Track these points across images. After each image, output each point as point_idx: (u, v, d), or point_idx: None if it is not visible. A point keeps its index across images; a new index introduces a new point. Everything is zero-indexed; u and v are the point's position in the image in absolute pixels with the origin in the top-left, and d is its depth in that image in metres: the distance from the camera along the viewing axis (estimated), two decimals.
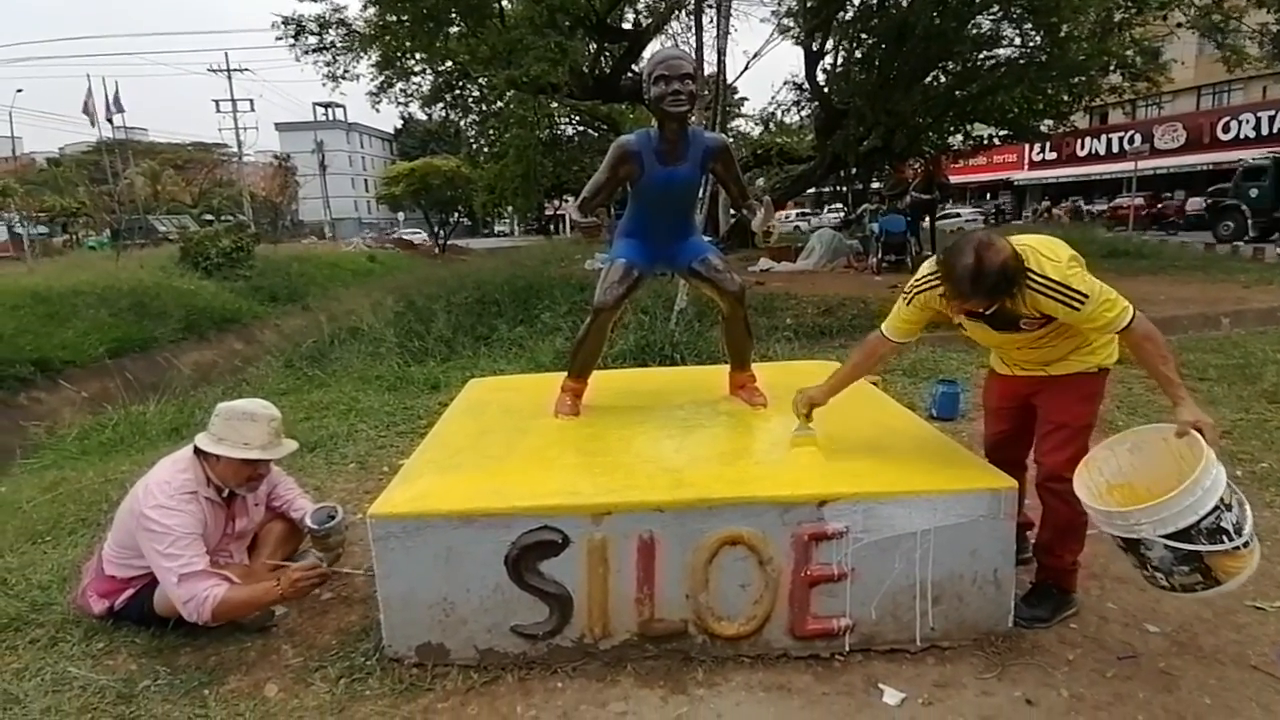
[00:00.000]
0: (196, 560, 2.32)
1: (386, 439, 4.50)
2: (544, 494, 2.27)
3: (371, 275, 23.94)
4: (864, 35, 13.87)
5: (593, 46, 15.43)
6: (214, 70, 38.02)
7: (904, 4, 12.14)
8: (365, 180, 64.86)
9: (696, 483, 2.31)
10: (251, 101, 40.67)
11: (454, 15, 13.94)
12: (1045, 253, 2.12)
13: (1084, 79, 14.11)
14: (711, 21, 11.52)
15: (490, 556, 2.20)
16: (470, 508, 2.20)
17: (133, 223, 30.44)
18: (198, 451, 2.45)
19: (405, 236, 40.65)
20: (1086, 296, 2.04)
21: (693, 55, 10.08)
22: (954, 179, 25.57)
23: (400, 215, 49.04)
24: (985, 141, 18.06)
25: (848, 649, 2.30)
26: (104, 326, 12.38)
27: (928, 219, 13.41)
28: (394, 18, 14.04)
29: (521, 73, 11.67)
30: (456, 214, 36.22)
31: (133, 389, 7.75)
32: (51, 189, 34.89)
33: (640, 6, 16.54)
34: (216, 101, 39.59)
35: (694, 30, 10.07)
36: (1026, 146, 30.99)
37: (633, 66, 15.23)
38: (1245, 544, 1.87)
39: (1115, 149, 31.22)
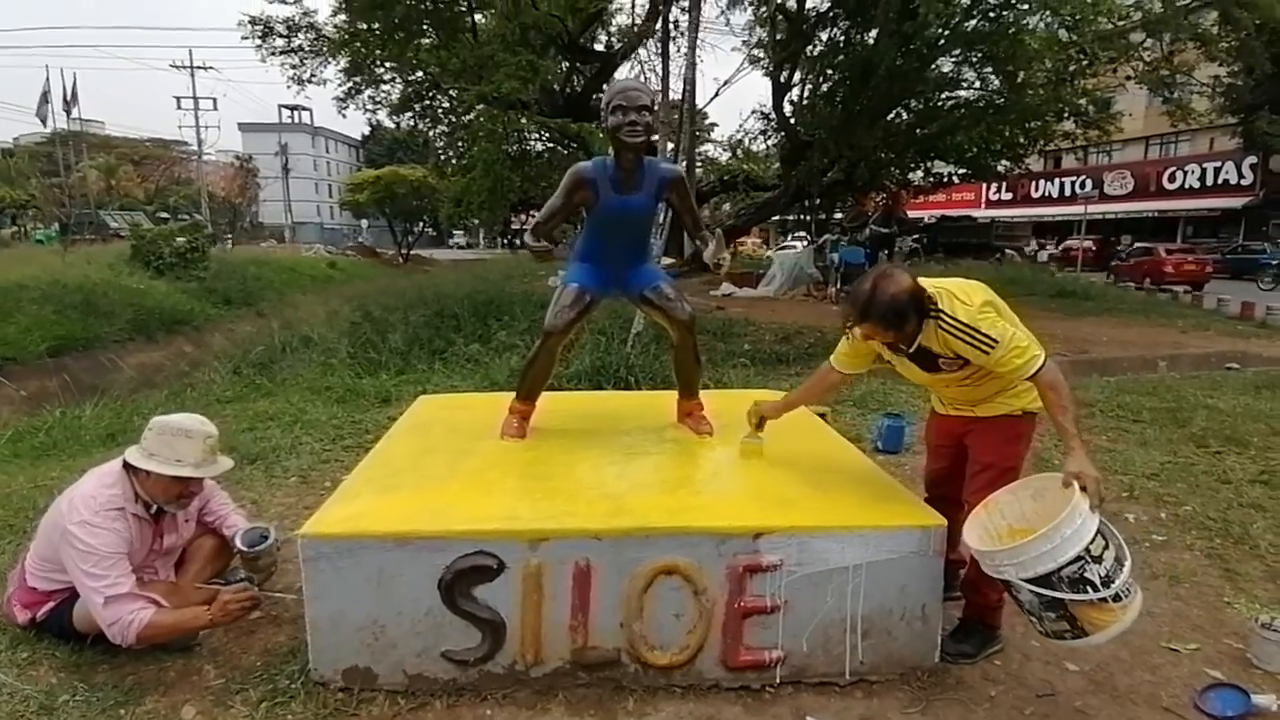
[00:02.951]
0: (122, 581, 2.26)
1: (331, 453, 4.42)
2: (481, 518, 2.26)
3: (331, 282, 23.57)
4: (830, 71, 14.22)
5: (565, 65, 15.55)
6: (176, 66, 37.27)
7: (869, 43, 12.48)
8: (330, 185, 64.00)
9: (635, 511, 2.32)
10: (215, 100, 39.58)
11: (426, 26, 13.93)
12: (959, 296, 2.21)
13: (1039, 123, 14.66)
14: (679, 51, 11.71)
15: (423, 580, 2.17)
16: (405, 530, 2.18)
17: (83, 217, 29.53)
18: (127, 466, 2.38)
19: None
20: (996, 342, 2.12)
21: (658, 82, 10.24)
22: (914, 213, 26.36)
23: (364, 223, 48.47)
24: (945, 179, 18.60)
25: (778, 681, 2.32)
26: (48, 323, 11.96)
27: (886, 252, 13.76)
28: (365, 25, 13.96)
29: (492, 88, 11.70)
30: (421, 224, 35.93)
31: (75, 389, 7.50)
32: (3, 180, 33.74)
33: (613, 30, 16.74)
34: (178, 98, 38.52)
35: (663, 59, 10.20)
36: (984, 186, 32.04)
37: (604, 87, 15.36)
38: (1115, 598, 1.90)
39: (1067, 192, 32.42)
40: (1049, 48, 9.64)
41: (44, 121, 29.43)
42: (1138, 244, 23.18)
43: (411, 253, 34.74)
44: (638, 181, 2.89)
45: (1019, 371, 2.13)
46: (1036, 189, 34.84)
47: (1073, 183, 32.16)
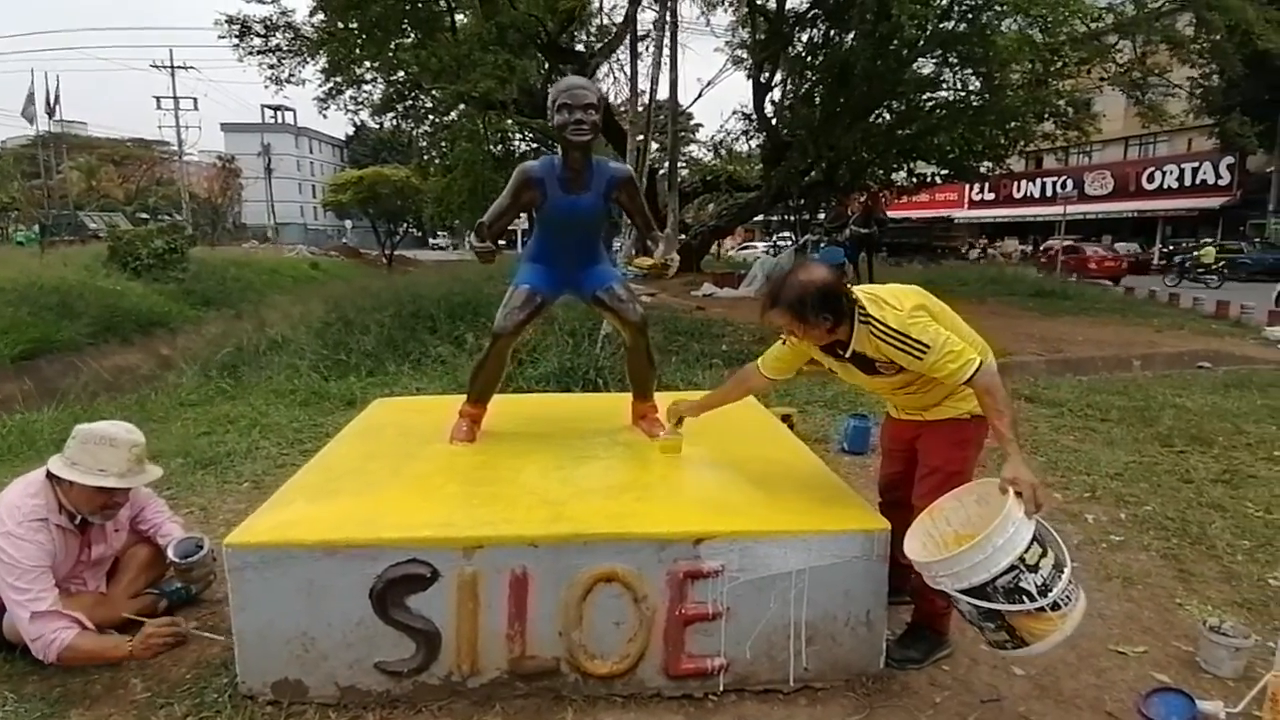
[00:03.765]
0: (45, 595, 2.21)
1: (289, 457, 4.35)
2: (415, 525, 2.20)
3: (313, 283, 23.38)
4: (809, 72, 14.23)
5: (545, 66, 15.48)
6: (157, 66, 36.95)
7: (847, 44, 12.49)
8: (313, 186, 63.54)
9: (574, 517, 2.27)
10: (195, 100, 39.31)
11: (405, 26, 13.82)
12: (889, 301, 2.18)
13: (1018, 124, 14.71)
14: (648, 51, 11.70)
15: (354, 590, 2.12)
16: (334, 538, 2.13)
17: (62, 218, 29.29)
18: (50, 475, 2.32)
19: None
20: (928, 347, 2.09)
21: (628, 82, 10.18)
22: (899, 214, 26.41)
23: (347, 223, 48.19)
24: (928, 179, 18.65)
25: (721, 689, 2.27)
26: (22, 325, 11.84)
27: (866, 252, 13.77)
28: (342, 25, 13.84)
29: (469, 87, 11.63)
30: (405, 225, 35.73)
31: (47, 393, 7.38)
32: None
33: (593, 29, 16.69)
34: (158, 98, 38.14)
35: (630, 59, 10.17)
36: (967, 186, 32.21)
37: None
38: (1053, 607, 1.86)
39: (1049, 192, 32.66)
40: (1022, 48, 9.68)
41: (31, 121, 29.58)
42: (1067, 243, 26.03)
43: (395, 254, 34.56)
44: (586, 181, 2.85)
45: (953, 376, 2.10)
46: (1018, 189, 35.07)
47: (1054, 183, 32.41)
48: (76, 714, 2.15)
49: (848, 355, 2.27)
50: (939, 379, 2.17)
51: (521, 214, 3.08)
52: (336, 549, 2.11)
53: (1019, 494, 1.94)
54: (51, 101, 31.36)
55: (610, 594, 2.20)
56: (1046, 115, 14.78)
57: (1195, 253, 22.44)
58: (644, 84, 11.13)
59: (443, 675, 2.20)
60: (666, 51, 10.94)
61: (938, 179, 18.82)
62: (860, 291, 2.23)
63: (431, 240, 51.74)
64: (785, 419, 4.37)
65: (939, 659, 2.45)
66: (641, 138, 9.53)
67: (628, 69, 14.90)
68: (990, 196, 35.86)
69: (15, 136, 42.57)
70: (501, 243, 2.98)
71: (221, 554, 2.16)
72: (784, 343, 2.43)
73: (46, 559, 2.23)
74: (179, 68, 37.08)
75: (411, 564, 2.12)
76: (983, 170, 17.83)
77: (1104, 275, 21.31)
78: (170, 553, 2.50)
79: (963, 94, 14.50)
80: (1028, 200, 34.97)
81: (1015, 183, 33.81)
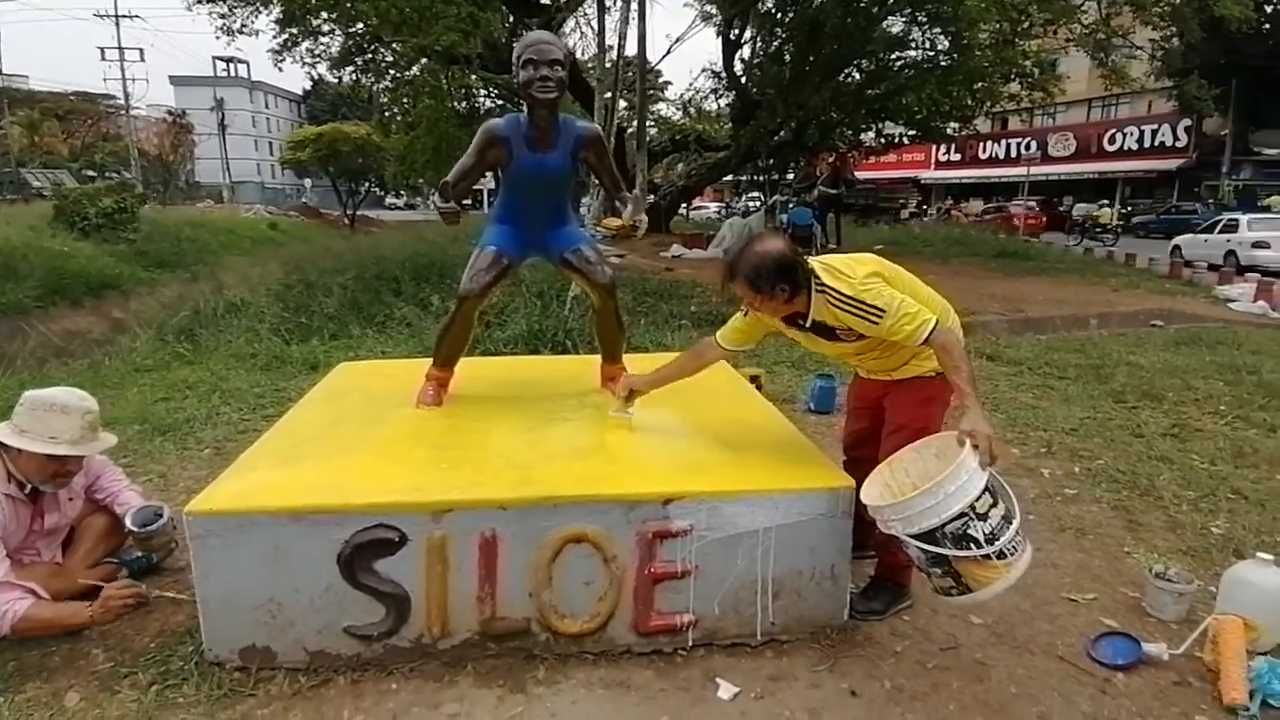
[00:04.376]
0: None
1: (250, 423, 4.27)
2: (382, 490, 2.18)
3: (272, 244, 22.76)
4: (778, 29, 14.05)
5: (510, 19, 15.04)
6: (101, 16, 35.21)
7: (817, 2, 12.32)
8: (270, 143, 61.40)
9: (543, 480, 2.27)
10: (141, 51, 37.70)
11: None
12: (844, 270, 2.22)
13: (985, 84, 14.75)
14: (616, 4, 11.42)
15: (321, 555, 2.10)
16: (300, 504, 2.10)
17: (3, 176, 28.06)
18: None
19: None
20: (883, 311, 2.13)
21: (595, 37, 9.95)
22: (867, 174, 26.45)
23: (307, 182, 46.85)
24: (896, 140, 18.67)
25: (690, 644, 2.32)
26: None
27: (834, 213, 13.80)
28: None
29: (432, 40, 11.25)
30: (368, 184, 34.86)
31: None
32: None
33: None
34: (102, 49, 36.45)
35: (598, 12, 9.93)
36: (934, 147, 32.30)
37: None
38: (999, 555, 1.92)
39: (1014, 154, 32.90)
40: (989, 8, 9.65)
41: None
42: (993, 203, 29.68)
43: (358, 214, 33.73)
44: (553, 140, 2.80)
45: (911, 338, 2.14)
46: (984, 151, 35.26)
47: (1018, 144, 32.64)
48: (32, 688, 2.11)
49: (809, 325, 2.30)
50: (898, 341, 2.20)
51: (487, 173, 3.01)
52: (302, 515, 2.09)
53: (975, 445, 1.98)
54: None
55: (580, 554, 2.21)
56: (1013, 76, 14.83)
57: (1095, 214, 24.75)
58: (612, 39, 10.89)
59: (413, 638, 2.20)
60: (635, 5, 10.69)
61: (905, 139, 18.87)
62: (815, 262, 2.27)
63: (389, 200, 50.29)
64: (753, 380, 4.41)
65: (900, 610, 2.52)
66: (610, 95, 9.34)
67: (595, 23, 14.56)
68: (956, 158, 36.03)
69: None
70: (467, 203, 2.90)
71: (182, 522, 2.12)
72: (745, 314, 2.44)
73: None
74: (124, 16, 35.35)
75: (379, 528, 2.11)
76: (950, 131, 17.90)
77: (1026, 231, 23.85)
78: (128, 521, 2.45)
79: (931, 54, 14.46)
80: (993, 161, 35.25)
81: (981, 144, 33.94)
